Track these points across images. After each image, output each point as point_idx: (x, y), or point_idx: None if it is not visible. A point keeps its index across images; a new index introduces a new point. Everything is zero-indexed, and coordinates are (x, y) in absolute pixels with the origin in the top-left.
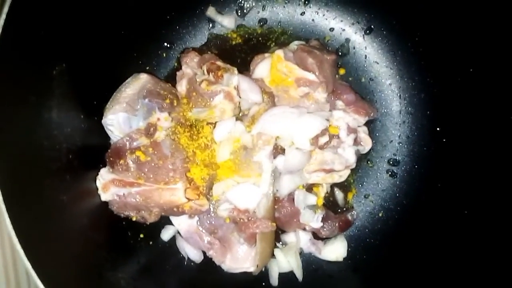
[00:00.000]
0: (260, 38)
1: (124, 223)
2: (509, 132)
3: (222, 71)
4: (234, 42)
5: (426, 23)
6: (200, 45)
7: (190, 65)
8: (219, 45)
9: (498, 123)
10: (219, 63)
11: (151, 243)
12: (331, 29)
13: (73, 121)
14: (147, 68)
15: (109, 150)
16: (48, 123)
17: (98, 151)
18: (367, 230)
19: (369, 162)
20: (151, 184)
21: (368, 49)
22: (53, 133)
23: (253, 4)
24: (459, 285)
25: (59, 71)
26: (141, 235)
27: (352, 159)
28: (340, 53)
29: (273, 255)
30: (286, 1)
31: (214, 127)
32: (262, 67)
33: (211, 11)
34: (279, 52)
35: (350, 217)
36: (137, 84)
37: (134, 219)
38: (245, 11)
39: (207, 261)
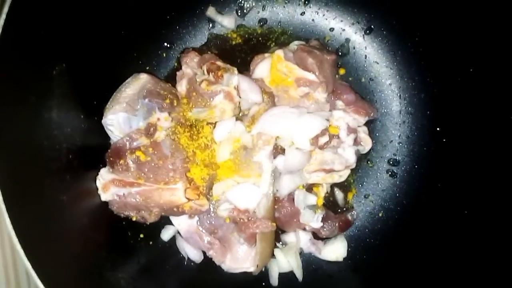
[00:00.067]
0: (260, 38)
1: (124, 223)
2: (509, 132)
3: (222, 71)
4: (234, 42)
5: (426, 23)
6: (200, 45)
7: (190, 65)
8: (219, 45)
9: (498, 123)
10: (219, 63)
11: (151, 243)
12: (331, 29)
13: (73, 121)
14: (147, 68)
15: (109, 150)
16: (48, 123)
17: (98, 151)
18: (367, 230)
19: (369, 162)
20: (151, 184)
21: (368, 49)
22: (53, 133)
23: (253, 4)
24: (459, 285)
25: (59, 71)
26: (141, 235)
27: (352, 159)
28: (340, 53)
29: (273, 255)
30: (286, 1)
31: (214, 127)
32: (262, 67)
33: (211, 11)
34: (279, 52)
35: (350, 217)
36: (137, 84)
37: (134, 219)
38: (245, 11)
39: (207, 261)
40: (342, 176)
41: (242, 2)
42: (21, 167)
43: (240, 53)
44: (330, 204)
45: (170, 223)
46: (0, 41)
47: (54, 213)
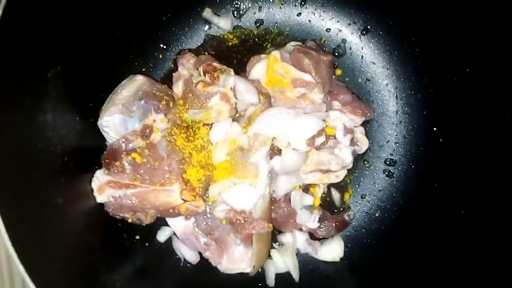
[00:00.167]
0: (256, 39)
1: (119, 224)
2: (505, 132)
3: (219, 72)
4: (230, 43)
5: (422, 23)
6: (196, 46)
7: (187, 67)
8: (216, 46)
9: (494, 123)
10: (216, 64)
11: (147, 244)
12: (328, 30)
13: (68, 123)
14: (143, 69)
15: (104, 152)
16: (43, 126)
17: (93, 153)
18: (364, 230)
19: (365, 162)
20: (147, 186)
21: (364, 50)
22: (48, 135)
23: (250, 5)
24: (456, 285)
25: (54, 74)
26: (137, 237)
27: (348, 160)
28: (336, 54)
29: (269, 256)
30: (282, 2)
31: (211, 128)
32: (259, 68)
33: (207, 13)
34: (276, 53)
35: (346, 217)
36: (133, 85)
37: (130, 220)
38: (241, 12)
39: (204, 262)
40: (338, 176)
41: (239, 3)
42: (15, 169)
43: (236, 54)
44: (326, 204)
45: (166, 224)
46: None
47: (49, 215)
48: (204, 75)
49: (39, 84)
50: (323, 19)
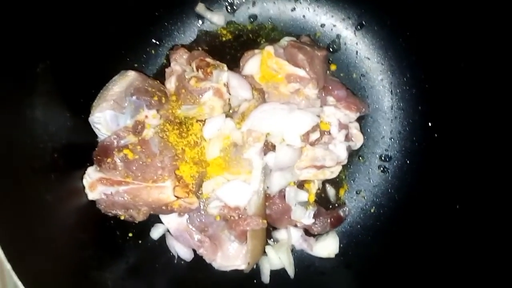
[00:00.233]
0: (250, 35)
1: (112, 222)
2: (500, 127)
3: (212, 68)
4: (224, 39)
5: (417, 18)
6: (189, 41)
7: (179, 62)
8: (209, 42)
9: (489, 118)
10: (209, 59)
11: (140, 242)
12: (322, 25)
13: (58, 120)
14: (135, 65)
15: (96, 149)
16: (31, 122)
17: (85, 149)
18: (359, 226)
19: (360, 158)
20: (139, 183)
21: (359, 45)
22: (37, 131)
23: (243, 0)
24: (451, 280)
25: (43, 69)
26: (130, 234)
27: (343, 155)
28: (331, 49)
29: (264, 252)
30: None
31: (204, 124)
32: (252, 63)
33: (200, 8)
34: (269, 48)
35: (342, 213)
36: (125, 81)
37: (122, 218)
38: (235, 7)
39: (198, 259)
40: (333, 172)
41: None
42: (2, 166)
43: (230, 49)
44: (321, 200)
45: (160, 221)
46: None
47: (38, 213)
48: (197, 70)
49: (27, 79)
50: (317, 14)
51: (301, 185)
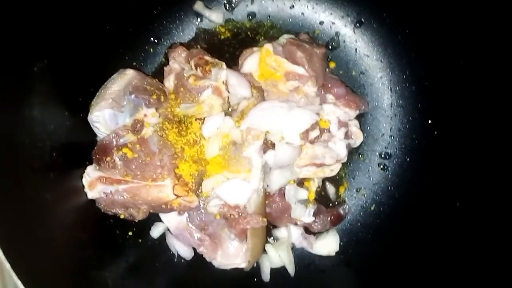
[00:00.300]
0: (249, 32)
1: (112, 221)
2: (500, 124)
3: (210, 66)
4: (222, 37)
5: (416, 15)
6: (188, 40)
7: (178, 60)
8: (207, 40)
9: (489, 115)
10: (207, 57)
11: (140, 240)
12: (321, 23)
13: (57, 119)
14: (134, 63)
15: (95, 148)
16: (29, 121)
17: (84, 148)
18: (359, 224)
19: (360, 155)
20: (138, 181)
21: (358, 42)
22: (35, 130)
23: None
24: (451, 278)
25: (40, 68)
26: (130, 233)
27: (343, 153)
28: (330, 47)
29: (264, 251)
30: None
31: (203, 122)
32: (251, 61)
33: (199, 6)
34: (268, 46)
35: (342, 211)
36: (123, 80)
37: (122, 216)
38: (233, 5)
39: (198, 258)
40: (333, 170)
41: None
42: (1, 165)
43: (228, 47)
44: (321, 198)
45: (160, 220)
46: None
47: (37, 212)
48: (196, 69)
49: (25, 78)
50: (316, 12)
51: (301, 183)
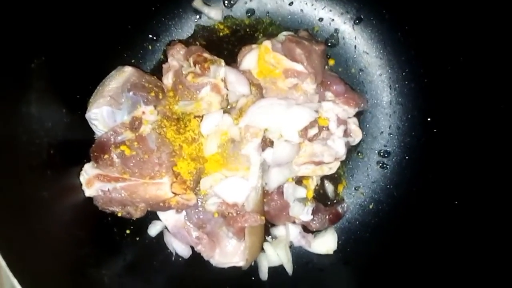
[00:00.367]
0: (247, 29)
1: (109, 219)
2: (499, 121)
3: (209, 63)
4: (221, 34)
5: (416, 12)
6: (186, 37)
7: (176, 58)
8: (206, 37)
9: (489, 112)
10: (206, 55)
11: (137, 239)
12: (320, 19)
13: (54, 116)
14: (132, 61)
15: (93, 145)
16: (27, 118)
17: (82, 146)
18: (357, 222)
19: (359, 153)
20: (136, 179)
21: (357, 40)
22: (33, 127)
23: None
24: (450, 276)
25: (38, 64)
26: (128, 231)
27: (342, 151)
28: (329, 44)
29: (262, 249)
30: None
31: (201, 120)
32: (250, 58)
33: (197, 2)
34: (267, 43)
35: (340, 210)
36: (121, 77)
37: (119, 214)
38: (232, 1)
39: (196, 256)
40: (332, 168)
41: None
42: None
43: (227, 44)
44: (320, 196)
45: (158, 218)
46: None
47: (34, 210)
48: (194, 66)
49: (22, 75)
50: (315, 9)
51: (299, 181)
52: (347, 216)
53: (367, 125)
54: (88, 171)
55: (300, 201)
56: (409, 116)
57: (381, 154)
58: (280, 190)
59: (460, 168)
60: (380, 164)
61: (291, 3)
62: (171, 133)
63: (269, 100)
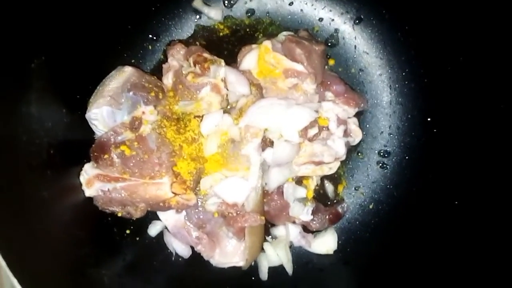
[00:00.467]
0: (247, 29)
1: (109, 219)
2: (499, 121)
3: (209, 63)
4: (221, 34)
5: (416, 12)
6: (186, 37)
7: (176, 58)
8: (206, 37)
9: (489, 112)
10: (206, 55)
11: (137, 239)
12: (320, 19)
13: (54, 116)
14: (132, 61)
15: (93, 145)
16: (26, 118)
17: (82, 146)
18: (357, 222)
19: (359, 153)
20: (136, 179)
21: (357, 40)
22: (33, 127)
23: None
24: (450, 276)
25: (38, 64)
26: (128, 231)
27: (342, 151)
28: (329, 44)
29: (262, 249)
30: None
31: (201, 120)
32: (250, 58)
33: (197, 2)
34: (267, 43)
35: (340, 210)
36: (121, 77)
37: (119, 214)
38: (232, 1)
39: (196, 256)
40: (332, 168)
41: None
42: None
43: (227, 44)
44: (320, 196)
45: (158, 218)
46: None
47: (34, 210)
48: (194, 66)
49: (22, 74)
50: (315, 9)
51: (299, 181)
52: (347, 216)
53: (367, 125)
54: (88, 171)
55: (300, 201)
56: (409, 116)
57: (381, 154)
58: (280, 190)
59: (460, 168)
60: (380, 164)
61: (291, 3)
62: (171, 133)
63: (269, 100)
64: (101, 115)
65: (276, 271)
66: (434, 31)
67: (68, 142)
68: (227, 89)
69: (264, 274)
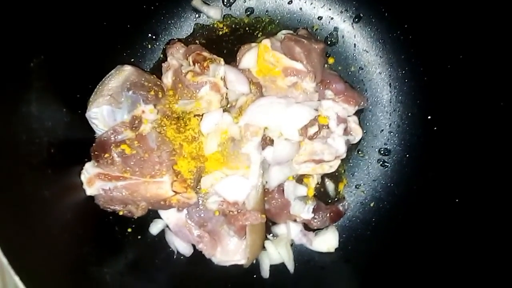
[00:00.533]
0: (247, 28)
1: (111, 217)
2: (499, 119)
3: (208, 62)
4: (220, 33)
5: (415, 10)
6: (186, 36)
7: (176, 56)
8: (205, 36)
9: (489, 110)
10: (205, 53)
11: (139, 237)
12: (319, 18)
13: (54, 115)
14: (132, 60)
15: (93, 144)
16: (26, 117)
17: (82, 145)
18: (358, 220)
19: (359, 152)
20: (137, 178)
21: (357, 38)
22: (33, 127)
23: None
24: (451, 274)
25: (37, 64)
26: (129, 230)
27: (342, 149)
28: (329, 42)
29: (263, 247)
30: None
31: (201, 119)
32: (249, 57)
33: (197, 1)
34: (266, 42)
35: (341, 208)
36: (121, 76)
37: (121, 213)
38: (231, 0)
39: (197, 254)
40: (332, 166)
41: None
42: None
43: (226, 43)
44: (320, 195)
45: (159, 217)
46: None
47: (36, 209)
48: (194, 65)
49: (21, 74)
50: (314, 7)
51: (300, 179)
52: (348, 214)
53: (367, 123)
54: (88, 170)
55: (301, 199)
56: (409, 114)
57: (382, 152)
58: (280, 188)
59: (461, 166)
60: (381, 162)
61: (290, 2)
62: (171, 132)
63: (268, 99)
64: (101, 114)
65: (278, 269)
66: (433, 29)
67: (69, 141)
68: (227, 88)
69: (265, 272)
